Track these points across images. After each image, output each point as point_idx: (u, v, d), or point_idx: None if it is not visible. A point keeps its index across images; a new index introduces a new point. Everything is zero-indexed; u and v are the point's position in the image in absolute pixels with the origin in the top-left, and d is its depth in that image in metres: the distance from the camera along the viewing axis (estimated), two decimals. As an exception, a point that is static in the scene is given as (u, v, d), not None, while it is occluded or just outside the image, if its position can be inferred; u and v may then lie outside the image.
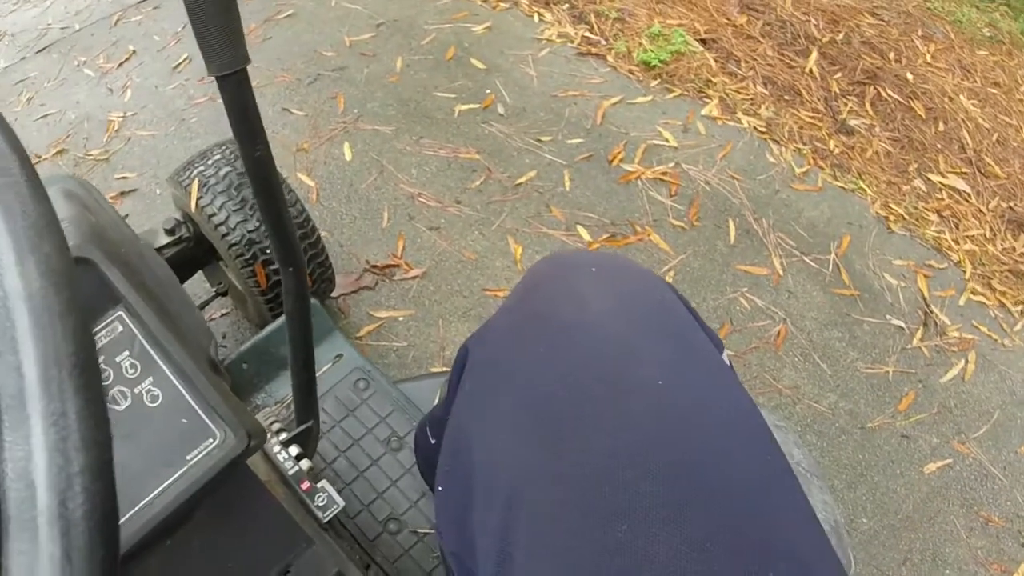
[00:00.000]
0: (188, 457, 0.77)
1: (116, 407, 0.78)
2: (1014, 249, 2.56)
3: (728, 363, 0.81)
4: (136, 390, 0.78)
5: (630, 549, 0.61)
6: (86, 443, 0.31)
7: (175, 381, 0.80)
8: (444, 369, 1.98)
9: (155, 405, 0.78)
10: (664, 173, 2.54)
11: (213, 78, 0.71)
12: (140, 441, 0.77)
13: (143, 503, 0.74)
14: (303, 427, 1.23)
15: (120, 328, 0.80)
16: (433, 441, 1.15)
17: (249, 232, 1.59)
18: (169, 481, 0.76)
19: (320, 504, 1.17)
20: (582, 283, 0.78)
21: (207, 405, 0.79)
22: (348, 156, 2.50)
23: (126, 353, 0.79)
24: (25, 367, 0.31)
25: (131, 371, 0.79)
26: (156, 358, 0.80)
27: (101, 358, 0.79)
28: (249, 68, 0.71)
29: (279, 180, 0.83)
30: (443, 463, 0.85)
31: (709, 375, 0.73)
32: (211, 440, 0.78)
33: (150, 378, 0.79)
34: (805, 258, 2.39)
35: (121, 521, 0.75)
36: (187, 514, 0.80)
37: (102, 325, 0.80)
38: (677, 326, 0.76)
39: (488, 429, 0.75)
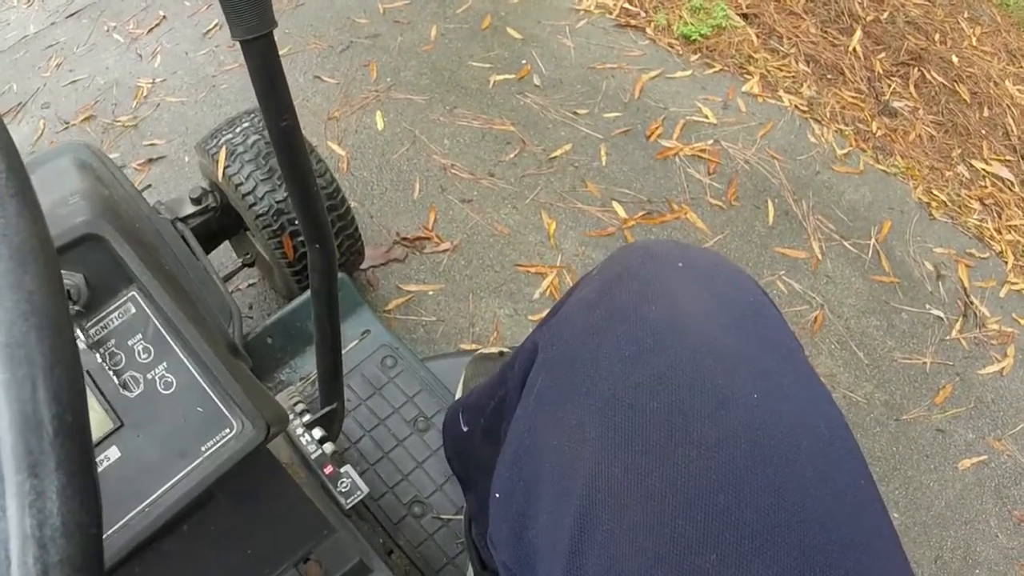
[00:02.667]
0: (203, 448, 0.74)
1: (128, 394, 0.75)
2: (1058, 241, 2.50)
3: None
4: (149, 376, 0.75)
5: None
6: (67, 528, 0.27)
7: (190, 367, 0.76)
8: (474, 346, 1.95)
9: (169, 392, 0.75)
10: (703, 150, 2.49)
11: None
12: (153, 430, 0.74)
13: (155, 496, 0.71)
14: (327, 409, 1.19)
15: (133, 310, 0.77)
16: (466, 429, 1.11)
17: (277, 202, 1.56)
18: (183, 473, 0.73)
19: (343, 490, 1.14)
20: (671, 280, 0.72)
21: (224, 393, 0.76)
22: (380, 125, 2.46)
23: (139, 336, 0.76)
24: None
25: (144, 356, 0.75)
26: (171, 342, 0.77)
27: (113, 341, 0.76)
28: (280, 35, 0.67)
29: (307, 152, 0.79)
30: (503, 467, 0.79)
31: (805, 389, 0.66)
32: (227, 430, 0.75)
33: (164, 363, 0.76)
34: (845, 242, 2.33)
35: (131, 515, 0.72)
36: (204, 499, 0.77)
37: (114, 306, 0.77)
38: (771, 332, 0.70)
39: (562, 436, 0.69)
